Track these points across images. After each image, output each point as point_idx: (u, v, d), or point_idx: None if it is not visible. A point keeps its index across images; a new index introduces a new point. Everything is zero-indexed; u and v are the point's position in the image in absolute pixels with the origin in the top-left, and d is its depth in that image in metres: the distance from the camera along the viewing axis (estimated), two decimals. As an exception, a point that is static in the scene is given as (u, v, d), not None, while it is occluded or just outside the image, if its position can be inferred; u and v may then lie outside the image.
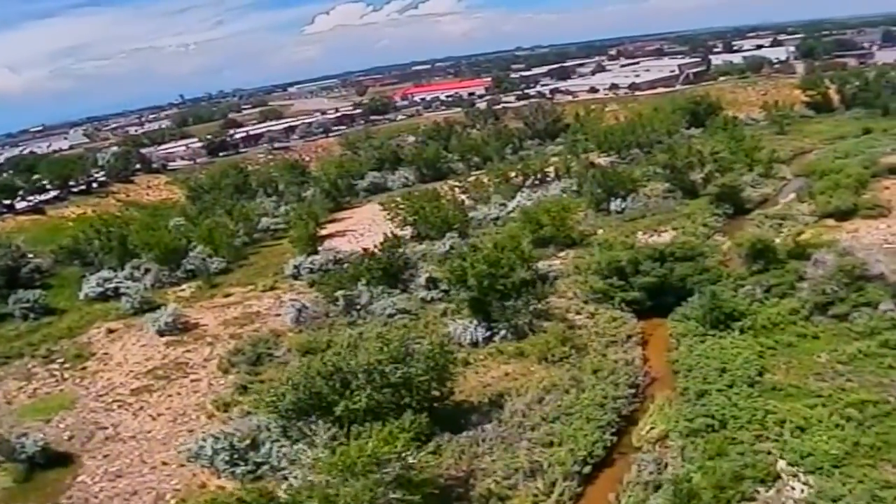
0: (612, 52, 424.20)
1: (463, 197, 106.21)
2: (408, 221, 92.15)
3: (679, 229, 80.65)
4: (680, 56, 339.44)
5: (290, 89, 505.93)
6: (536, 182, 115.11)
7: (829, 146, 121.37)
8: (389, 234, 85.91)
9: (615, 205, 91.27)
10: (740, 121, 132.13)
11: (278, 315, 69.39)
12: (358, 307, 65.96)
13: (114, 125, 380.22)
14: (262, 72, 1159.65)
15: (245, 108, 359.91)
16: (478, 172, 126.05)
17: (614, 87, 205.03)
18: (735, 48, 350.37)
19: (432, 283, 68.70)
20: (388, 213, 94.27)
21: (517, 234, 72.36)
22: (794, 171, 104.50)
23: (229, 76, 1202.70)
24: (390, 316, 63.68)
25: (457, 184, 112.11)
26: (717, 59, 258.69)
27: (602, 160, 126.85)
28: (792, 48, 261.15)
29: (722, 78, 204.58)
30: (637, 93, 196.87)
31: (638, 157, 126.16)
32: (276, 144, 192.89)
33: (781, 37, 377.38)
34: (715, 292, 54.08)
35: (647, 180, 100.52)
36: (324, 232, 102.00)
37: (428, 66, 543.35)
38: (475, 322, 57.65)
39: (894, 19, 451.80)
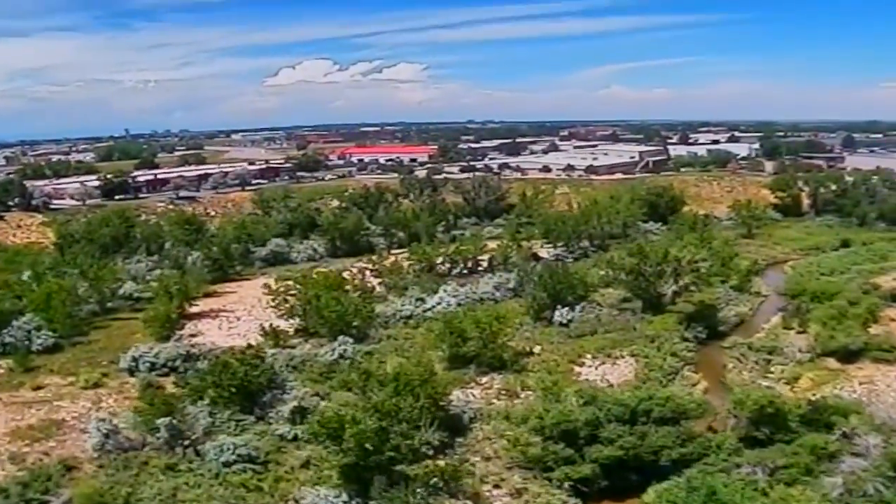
0: (565, 132, 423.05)
1: (375, 282, 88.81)
2: (296, 312, 73.89)
3: (641, 357, 64.33)
4: (635, 143, 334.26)
5: (235, 136, 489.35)
6: (466, 271, 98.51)
7: (805, 258, 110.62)
8: (268, 328, 68.70)
9: (560, 314, 74.48)
10: (711, 219, 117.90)
11: (85, 432, 50.15)
12: (187, 442, 46.94)
13: (43, 151, 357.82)
14: (215, 117, 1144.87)
15: (179, 150, 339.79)
16: (400, 252, 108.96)
17: (570, 168, 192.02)
18: (691, 140, 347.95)
19: (300, 413, 50.22)
20: (274, 298, 75.76)
21: (427, 361, 53.86)
22: (777, 289, 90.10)
23: (181, 117, 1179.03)
24: (227, 464, 44.73)
25: (369, 265, 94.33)
26: (676, 150, 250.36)
27: (546, 251, 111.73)
28: (756, 145, 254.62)
29: (684, 169, 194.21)
30: (593, 177, 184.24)
31: (588, 251, 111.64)
32: (183, 193, 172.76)
33: (738, 134, 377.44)
34: (710, 483, 36.84)
35: (603, 285, 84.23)
36: (194, 309, 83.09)
37: (377, 129, 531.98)
38: (343, 498, 39.29)
39: (849, 125, 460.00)
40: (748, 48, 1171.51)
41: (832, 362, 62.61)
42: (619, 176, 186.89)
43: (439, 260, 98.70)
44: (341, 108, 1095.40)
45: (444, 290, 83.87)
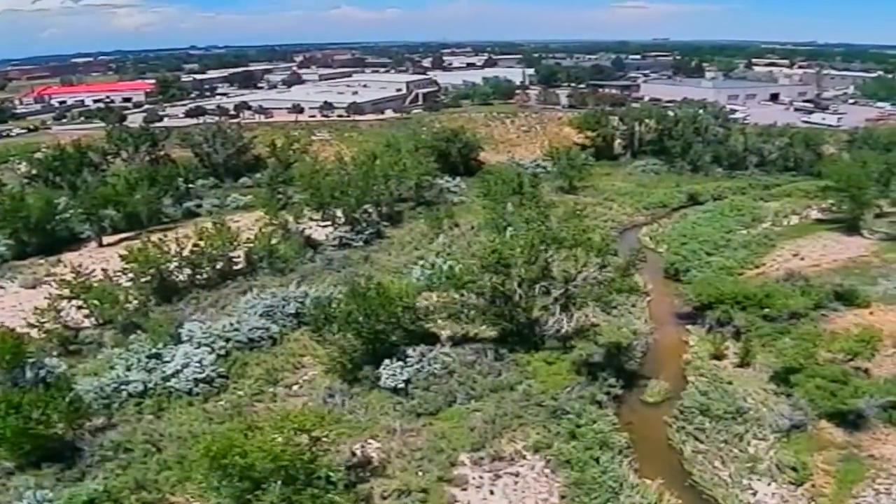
0: (299, 57, 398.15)
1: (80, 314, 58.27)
2: None
3: (554, 456, 40.61)
4: (384, 69, 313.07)
5: None
6: (216, 276, 69.82)
7: (656, 220, 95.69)
8: None
9: (390, 371, 48.34)
10: (537, 180, 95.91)
11: None
12: None
13: None
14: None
15: None
16: (117, 241, 77.31)
17: (327, 106, 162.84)
18: (446, 64, 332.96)
19: None
20: None
21: None
22: (652, 277, 70.05)
23: None
24: None
25: (66, 286, 61.89)
26: (443, 79, 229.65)
27: (322, 231, 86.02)
28: (531, 71, 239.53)
29: (464, 102, 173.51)
30: (358, 117, 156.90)
31: (379, 228, 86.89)
32: None
33: (498, 57, 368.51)
34: None
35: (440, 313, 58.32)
36: None
37: (90, 59, 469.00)
38: None
39: (593, 46, 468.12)
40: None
41: (835, 432, 42.25)
42: (389, 115, 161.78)
43: (173, 264, 68.57)
44: (52, 37, 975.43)
45: (190, 331, 54.81)
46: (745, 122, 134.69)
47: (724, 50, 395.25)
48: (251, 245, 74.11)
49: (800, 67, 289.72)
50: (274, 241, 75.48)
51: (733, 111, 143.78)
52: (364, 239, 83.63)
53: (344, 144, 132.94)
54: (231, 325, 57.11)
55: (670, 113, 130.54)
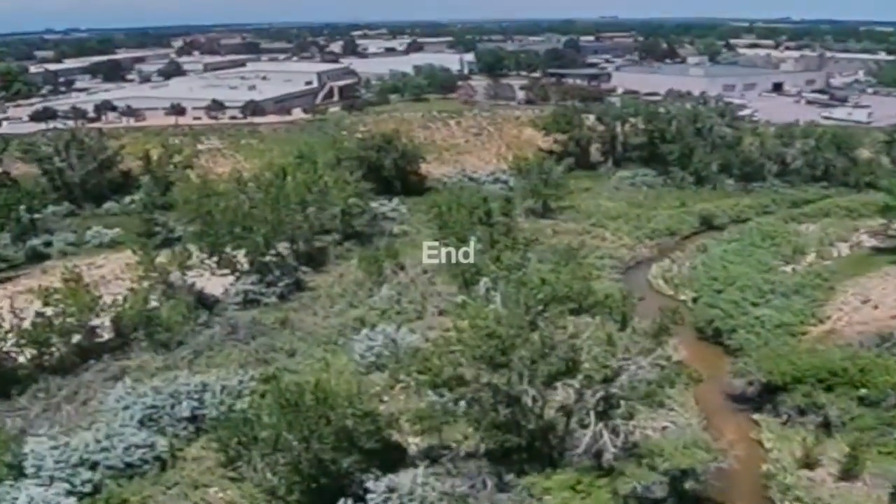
0: (178, 43, 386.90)
1: None
2: None
3: None
4: (285, 56, 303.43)
5: None
6: (74, 355, 58.72)
7: (664, 253, 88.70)
8: None
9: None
10: (510, 205, 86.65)
11: None
12: None
13: None
14: None
15: None
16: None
17: (217, 105, 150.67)
18: (361, 50, 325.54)
19: None
20: None
21: None
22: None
23: None
24: None
25: None
26: (360, 67, 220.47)
27: (219, 281, 75.46)
28: (469, 57, 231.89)
29: (394, 97, 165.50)
30: (258, 119, 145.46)
31: (296, 275, 77.24)
32: None
33: (424, 40, 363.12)
34: None
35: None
36: None
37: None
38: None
39: (549, 26, 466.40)
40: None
41: None
42: (298, 115, 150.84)
43: (9, 341, 56.76)
44: None
45: (38, 457, 43.03)
46: (754, 119, 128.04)
47: (692, 29, 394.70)
48: (120, 308, 62.58)
49: (787, 49, 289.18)
50: (153, 303, 64.21)
51: (741, 107, 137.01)
52: (278, 292, 72.84)
53: (241, 156, 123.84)
54: (98, 441, 45.43)
55: (661, 109, 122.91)
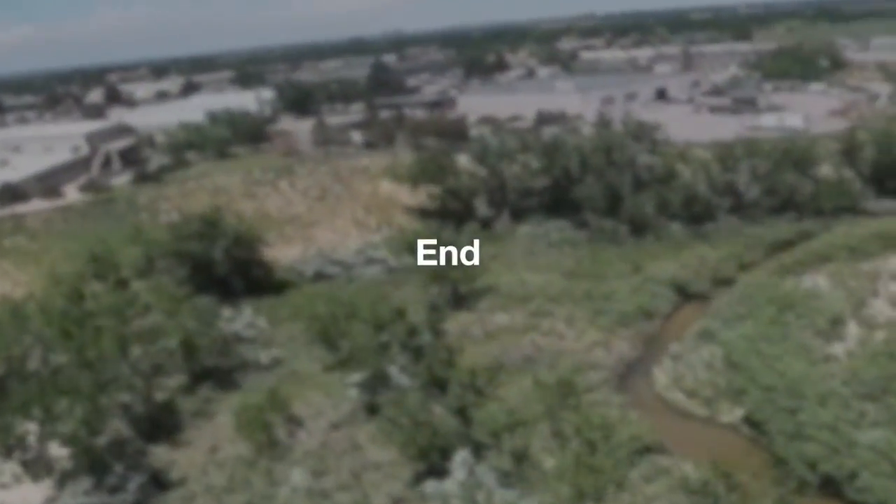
0: None
1: None
2: None
3: None
4: (33, 112, 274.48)
5: None
6: None
7: (671, 347, 69.77)
8: None
9: None
10: (438, 314, 68.73)
11: None
12: None
13: None
14: None
15: None
16: None
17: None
18: (125, 98, 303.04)
19: None
20: None
21: None
22: None
23: None
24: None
25: None
26: (133, 119, 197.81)
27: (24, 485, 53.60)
28: (268, 94, 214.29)
29: (191, 155, 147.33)
30: (21, 209, 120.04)
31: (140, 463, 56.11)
32: None
33: (196, 78, 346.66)
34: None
35: None
36: None
37: None
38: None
39: (333, 47, 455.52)
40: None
41: None
42: (73, 196, 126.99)
43: None
44: None
45: None
46: (669, 139, 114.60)
47: (502, 36, 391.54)
48: None
49: (621, 48, 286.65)
50: None
51: (655, 126, 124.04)
52: (130, 502, 51.67)
53: (8, 263, 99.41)
54: None
55: (569, 141, 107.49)
